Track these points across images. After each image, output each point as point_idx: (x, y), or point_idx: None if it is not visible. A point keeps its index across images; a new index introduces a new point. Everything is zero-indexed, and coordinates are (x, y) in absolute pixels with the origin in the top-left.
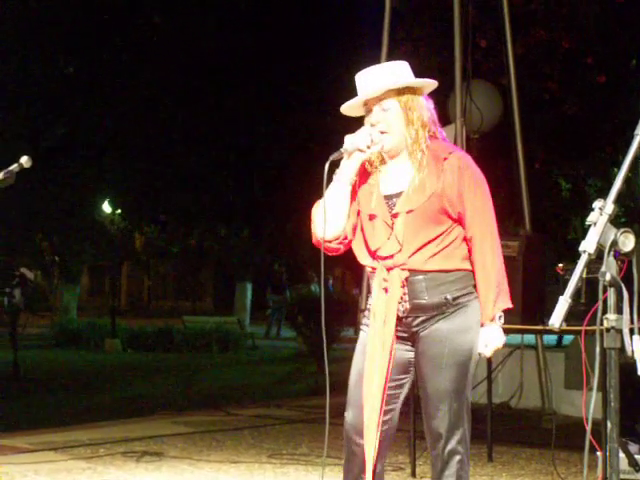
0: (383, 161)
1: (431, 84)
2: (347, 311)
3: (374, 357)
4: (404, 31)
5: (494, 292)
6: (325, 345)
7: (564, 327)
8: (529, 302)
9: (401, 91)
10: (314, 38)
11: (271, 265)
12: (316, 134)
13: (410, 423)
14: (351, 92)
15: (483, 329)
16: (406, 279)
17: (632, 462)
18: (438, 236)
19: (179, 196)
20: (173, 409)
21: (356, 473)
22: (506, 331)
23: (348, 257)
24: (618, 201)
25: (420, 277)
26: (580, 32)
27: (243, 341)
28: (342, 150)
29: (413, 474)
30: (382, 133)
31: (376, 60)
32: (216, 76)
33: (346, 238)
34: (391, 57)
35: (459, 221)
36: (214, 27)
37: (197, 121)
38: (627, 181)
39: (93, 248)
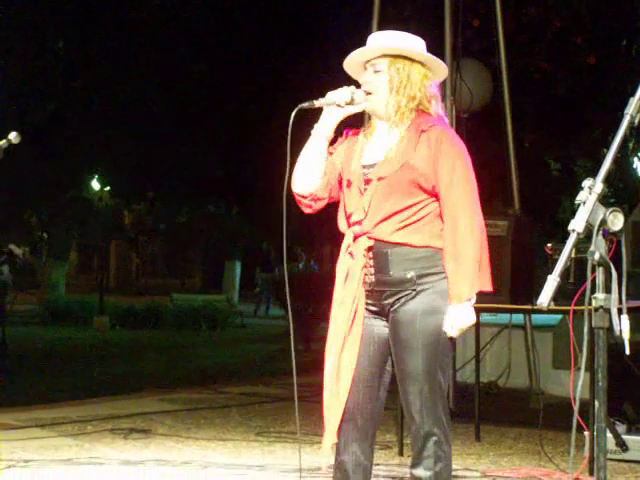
0: (375, 129)
1: (433, 61)
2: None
3: (336, 317)
4: (395, 9)
5: (470, 269)
6: (291, 323)
7: (552, 306)
8: (518, 282)
9: (396, 57)
10: (302, 17)
11: (260, 243)
12: (307, 112)
13: (397, 401)
14: (340, 72)
15: (450, 308)
16: (370, 248)
17: (619, 442)
18: (407, 208)
19: (168, 173)
20: (161, 386)
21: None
22: (495, 310)
23: (336, 235)
24: (607, 182)
25: (386, 250)
26: (571, 11)
27: (232, 319)
28: (315, 101)
29: (400, 453)
30: (367, 94)
31: (365, 39)
32: (207, 55)
33: (318, 197)
34: None
35: (435, 196)
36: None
37: (187, 99)
38: (617, 162)
39: (81, 225)
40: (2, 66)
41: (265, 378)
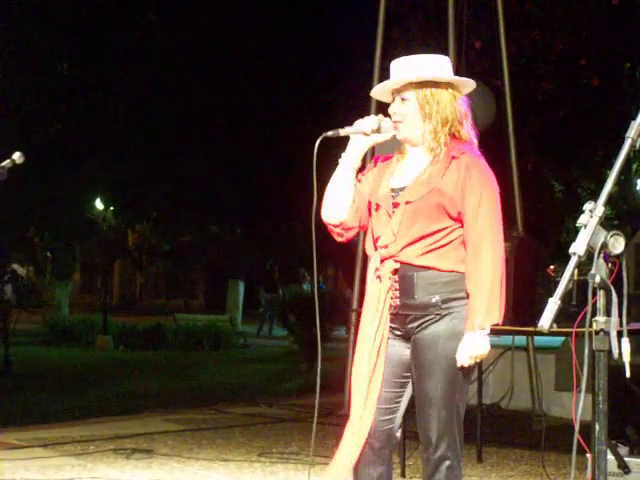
0: (406, 154)
1: (462, 81)
2: (339, 310)
3: (364, 342)
4: (399, 31)
5: (486, 299)
6: (319, 343)
7: (554, 328)
8: (520, 303)
9: (422, 84)
10: (308, 39)
11: (264, 264)
12: (313, 135)
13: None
14: (344, 93)
15: (467, 336)
16: (396, 271)
17: (621, 464)
18: (434, 233)
19: (172, 194)
20: (164, 407)
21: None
22: (497, 332)
23: (340, 256)
24: (610, 203)
25: (411, 273)
26: (574, 33)
27: (235, 339)
28: (340, 130)
29: (403, 474)
30: (397, 123)
31: (370, 60)
32: (212, 75)
33: (349, 226)
34: (385, 58)
35: (461, 222)
36: (209, 26)
37: (191, 119)
38: (620, 184)
39: (85, 245)
40: (6, 86)
41: (267, 399)
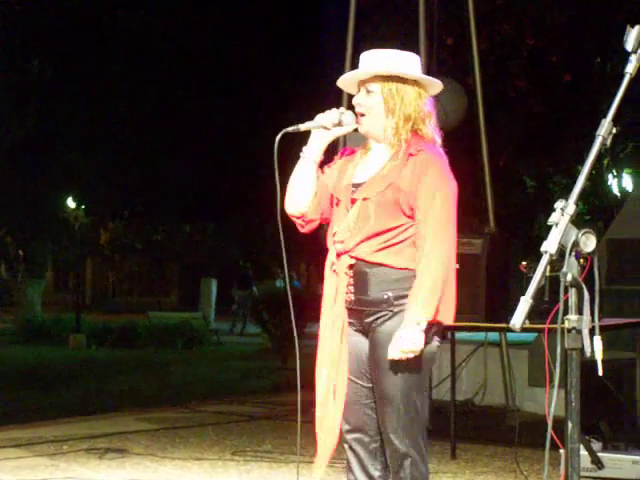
0: (370, 149)
1: (429, 81)
2: (311, 307)
3: (325, 335)
4: (370, 29)
5: (425, 295)
6: (297, 340)
7: (527, 325)
8: (493, 300)
9: (388, 78)
10: (280, 38)
11: (236, 261)
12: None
13: None
14: (315, 91)
15: (401, 329)
16: (351, 266)
17: (595, 460)
18: (390, 229)
19: (144, 192)
20: (137, 405)
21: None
22: (470, 329)
23: (312, 252)
24: (582, 198)
25: (366, 269)
26: (545, 29)
27: (208, 337)
28: (300, 126)
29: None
30: (361, 116)
31: (340, 58)
32: (185, 74)
33: (310, 218)
34: (356, 55)
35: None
36: (187, 25)
37: (163, 117)
38: (591, 179)
39: (57, 243)
40: None
41: (240, 397)
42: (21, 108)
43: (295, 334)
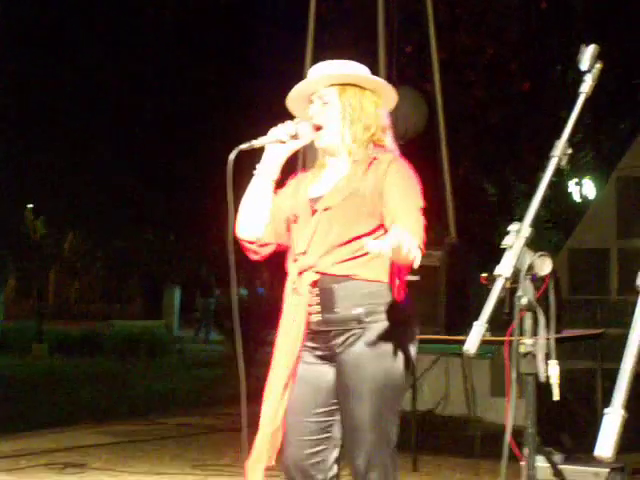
0: (325, 165)
1: (383, 87)
2: (275, 315)
3: (279, 361)
4: (329, 37)
5: (416, 229)
6: (241, 362)
7: (488, 337)
8: (453, 311)
9: (345, 86)
10: (236, 44)
11: (199, 269)
12: (239, 140)
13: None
14: (275, 99)
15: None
16: (316, 282)
17: (556, 472)
18: (355, 239)
19: (101, 202)
20: (98, 417)
21: None
22: (431, 341)
23: (276, 261)
24: (544, 206)
25: (331, 285)
26: (504, 38)
27: (171, 345)
28: (254, 142)
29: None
30: (317, 128)
31: (300, 66)
32: (138, 84)
33: (265, 242)
34: (315, 62)
35: (382, 225)
36: (138, 40)
37: (119, 129)
38: (552, 186)
39: (16, 254)
40: None
41: (202, 408)
42: None
43: (240, 356)
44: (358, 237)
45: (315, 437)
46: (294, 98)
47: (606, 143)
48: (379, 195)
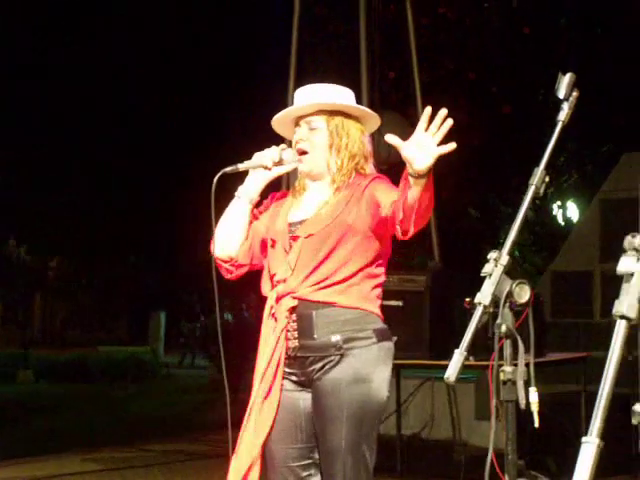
0: (305, 189)
1: (369, 115)
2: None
3: (257, 389)
4: (312, 62)
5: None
6: (227, 385)
7: (471, 361)
8: (438, 336)
9: (333, 114)
10: (218, 68)
11: (184, 294)
12: (216, 163)
13: None
14: (255, 120)
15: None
16: (294, 309)
17: None
18: (336, 267)
19: (80, 230)
20: (84, 444)
21: None
22: (415, 366)
23: (258, 284)
24: (527, 229)
25: (310, 311)
26: (486, 62)
27: (157, 370)
28: (239, 165)
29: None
30: (302, 154)
31: (283, 91)
32: (115, 116)
33: (240, 263)
34: (298, 87)
35: (367, 240)
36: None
37: (93, 156)
38: (536, 209)
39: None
40: None
41: (188, 434)
42: None
43: (225, 381)
44: (340, 265)
45: (299, 463)
46: (280, 121)
47: (589, 166)
48: (367, 207)
